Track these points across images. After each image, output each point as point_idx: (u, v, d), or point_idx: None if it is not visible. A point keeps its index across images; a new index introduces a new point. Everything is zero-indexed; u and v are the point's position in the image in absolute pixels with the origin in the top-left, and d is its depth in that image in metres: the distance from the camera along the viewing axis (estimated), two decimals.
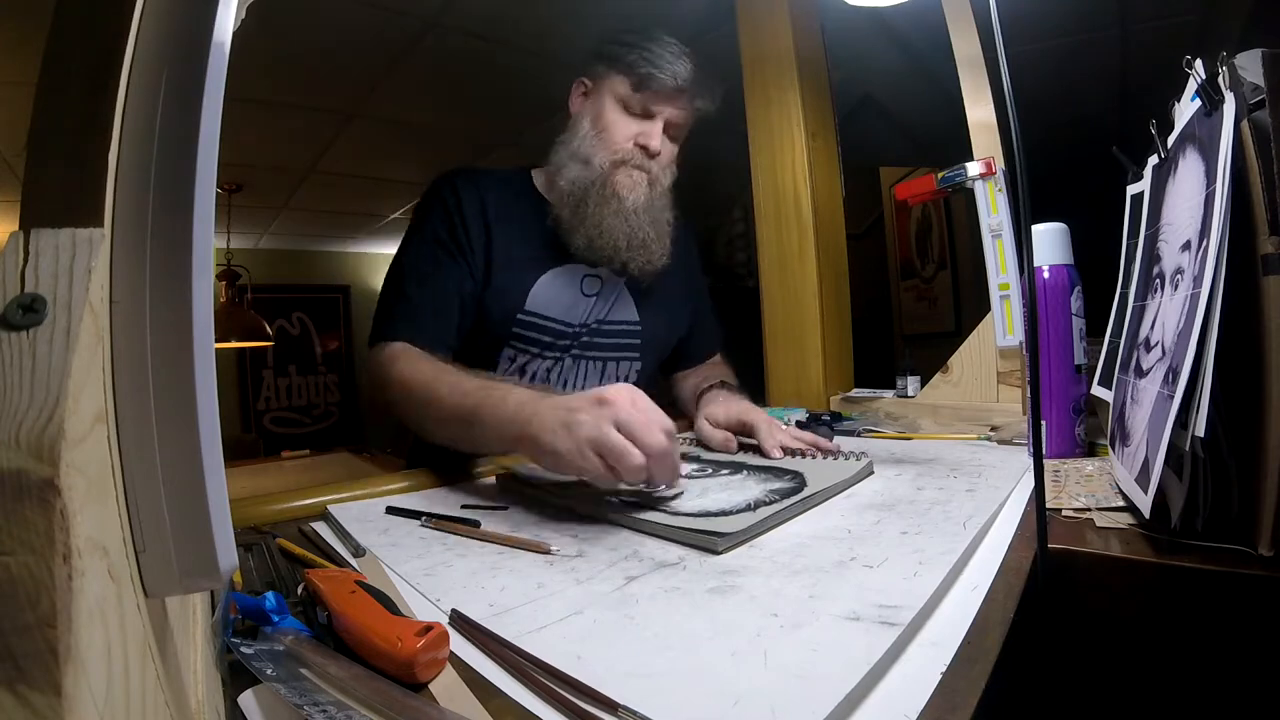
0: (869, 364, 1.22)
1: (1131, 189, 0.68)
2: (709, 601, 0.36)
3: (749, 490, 0.55)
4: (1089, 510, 0.51)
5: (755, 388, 1.20)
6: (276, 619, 0.33)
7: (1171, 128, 0.57)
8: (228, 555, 0.20)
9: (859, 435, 0.87)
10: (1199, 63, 0.46)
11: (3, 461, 0.15)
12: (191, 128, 0.20)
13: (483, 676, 0.30)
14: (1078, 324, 0.68)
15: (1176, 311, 0.46)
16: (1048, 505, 0.47)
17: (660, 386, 1.03)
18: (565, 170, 0.84)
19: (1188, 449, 0.40)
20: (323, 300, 4.52)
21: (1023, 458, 0.68)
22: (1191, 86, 0.48)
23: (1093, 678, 0.44)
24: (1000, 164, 0.84)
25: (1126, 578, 0.42)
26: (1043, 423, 0.57)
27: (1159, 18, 1.63)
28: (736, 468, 0.65)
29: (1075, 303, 0.68)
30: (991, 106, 0.86)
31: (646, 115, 0.84)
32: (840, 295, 1.14)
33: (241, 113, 1.96)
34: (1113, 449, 0.58)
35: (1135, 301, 0.62)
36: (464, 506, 0.58)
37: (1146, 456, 0.44)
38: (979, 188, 0.85)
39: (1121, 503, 0.51)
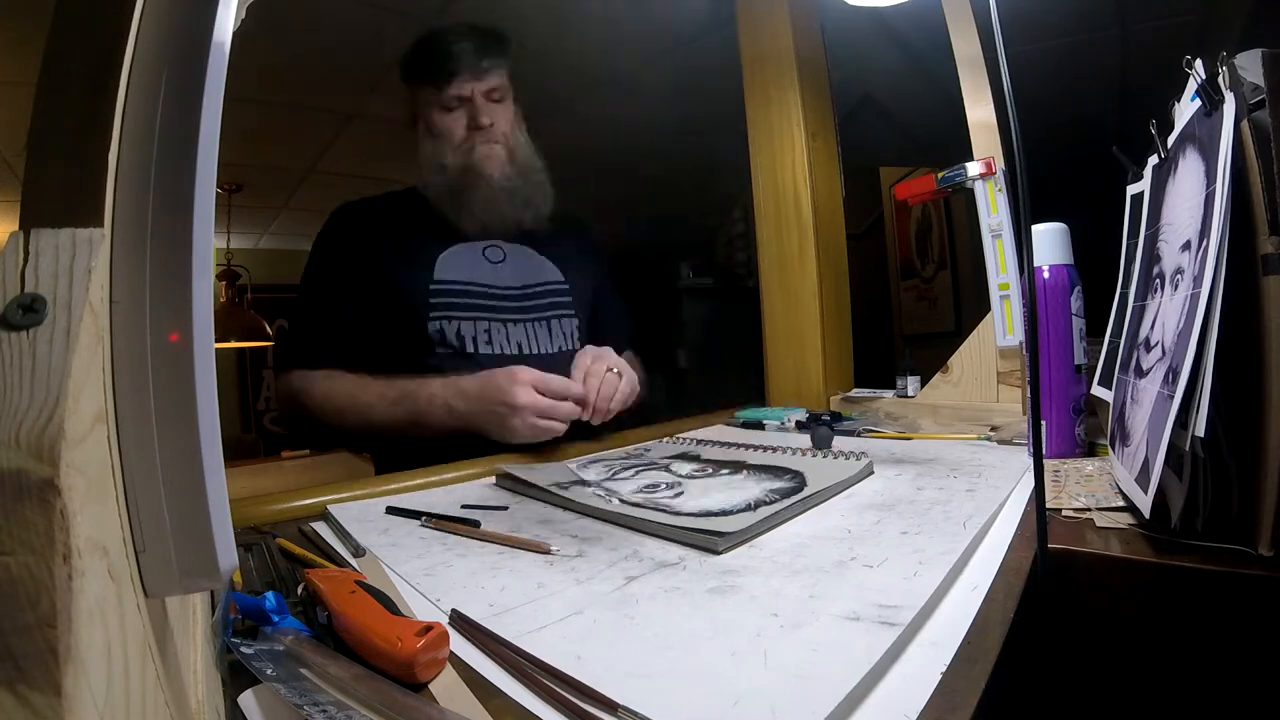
0: (869, 364, 1.22)
1: (1131, 189, 0.68)
2: (709, 601, 0.36)
3: (749, 490, 0.55)
4: (1089, 510, 0.50)
5: (755, 388, 1.20)
6: (276, 619, 0.33)
7: (1171, 128, 0.57)
8: (228, 555, 0.20)
9: (859, 435, 0.87)
10: (1199, 63, 0.46)
11: (3, 461, 0.15)
12: (191, 128, 0.20)
13: (483, 676, 0.30)
14: (1078, 324, 0.68)
15: (1176, 311, 0.46)
16: (1048, 505, 0.47)
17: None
18: (433, 179, 0.94)
19: (1188, 449, 0.40)
20: None
21: (1023, 458, 0.68)
22: (1191, 86, 0.48)
23: (1093, 678, 0.44)
24: (1000, 164, 0.84)
25: (1126, 578, 0.42)
26: (1043, 423, 0.57)
27: (1159, 18, 1.63)
28: (736, 467, 0.65)
29: (1075, 303, 0.68)
30: (991, 106, 0.85)
31: (463, 100, 0.90)
32: (840, 295, 1.14)
33: (241, 113, 1.96)
34: (1113, 449, 0.58)
35: (1135, 301, 0.62)
36: (464, 506, 0.58)
37: (1146, 456, 0.44)
38: (979, 188, 0.85)
39: (1121, 503, 0.51)
